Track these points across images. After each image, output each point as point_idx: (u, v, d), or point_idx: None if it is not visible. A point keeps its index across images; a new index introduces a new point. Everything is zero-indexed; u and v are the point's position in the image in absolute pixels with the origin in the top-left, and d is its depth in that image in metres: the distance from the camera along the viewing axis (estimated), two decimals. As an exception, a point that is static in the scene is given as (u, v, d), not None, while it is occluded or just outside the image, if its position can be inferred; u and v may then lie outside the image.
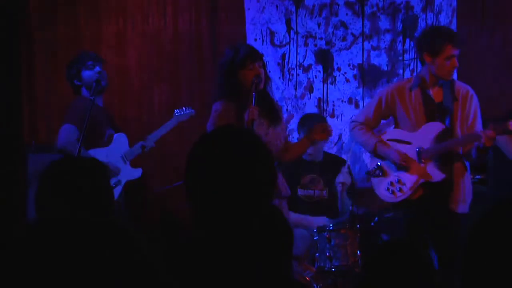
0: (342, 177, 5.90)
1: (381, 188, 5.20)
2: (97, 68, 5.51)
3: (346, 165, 5.93)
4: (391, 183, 5.16)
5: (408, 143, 5.12)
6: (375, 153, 5.24)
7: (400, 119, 5.17)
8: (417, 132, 5.09)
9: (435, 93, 5.09)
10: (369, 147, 5.26)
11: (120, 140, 5.75)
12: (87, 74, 5.52)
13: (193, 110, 6.10)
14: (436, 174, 5.06)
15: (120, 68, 6.86)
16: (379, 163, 5.22)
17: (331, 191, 6.03)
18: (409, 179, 5.10)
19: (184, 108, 6.09)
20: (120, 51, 6.95)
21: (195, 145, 2.04)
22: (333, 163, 6.11)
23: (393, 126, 5.33)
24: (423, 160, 5.07)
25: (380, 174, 5.21)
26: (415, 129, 5.10)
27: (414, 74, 6.66)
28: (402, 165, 5.10)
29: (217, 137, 2.06)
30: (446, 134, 5.05)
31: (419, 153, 5.08)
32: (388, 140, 5.22)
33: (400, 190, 5.12)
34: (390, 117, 5.30)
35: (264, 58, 6.27)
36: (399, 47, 6.83)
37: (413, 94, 5.09)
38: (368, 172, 5.31)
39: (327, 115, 6.86)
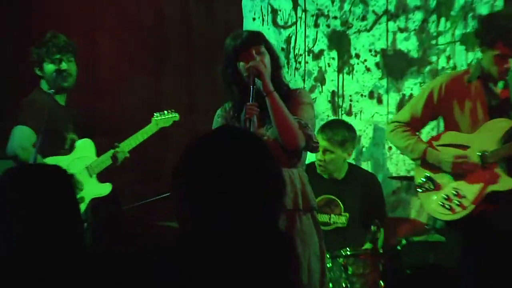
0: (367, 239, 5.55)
1: (434, 204, 4.92)
2: (63, 65, 5.30)
3: (375, 227, 5.34)
4: (447, 197, 4.86)
5: (466, 147, 4.89)
6: (423, 161, 4.98)
7: (454, 118, 4.94)
8: (476, 133, 4.86)
9: (500, 87, 4.90)
10: (415, 154, 5.01)
11: (84, 148, 5.48)
12: (50, 68, 5.32)
13: (176, 114, 5.86)
14: (505, 181, 4.75)
15: (89, 58, 6.65)
16: (428, 174, 4.94)
17: (353, 218, 5.70)
18: (470, 190, 4.80)
19: (165, 111, 5.87)
20: (89, 37, 6.75)
21: (185, 150, 2.07)
22: (358, 183, 5.79)
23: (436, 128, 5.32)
24: (487, 165, 4.79)
25: (432, 187, 4.93)
26: (473, 130, 4.88)
27: (451, 62, 6.47)
28: (461, 173, 4.85)
29: (211, 139, 2.09)
30: None
31: (482, 157, 4.81)
32: (438, 146, 4.98)
33: (460, 204, 4.82)
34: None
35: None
36: (432, 28, 6.50)
37: (473, 87, 4.89)
38: (417, 186, 5.03)
39: (342, 112, 6.70)
